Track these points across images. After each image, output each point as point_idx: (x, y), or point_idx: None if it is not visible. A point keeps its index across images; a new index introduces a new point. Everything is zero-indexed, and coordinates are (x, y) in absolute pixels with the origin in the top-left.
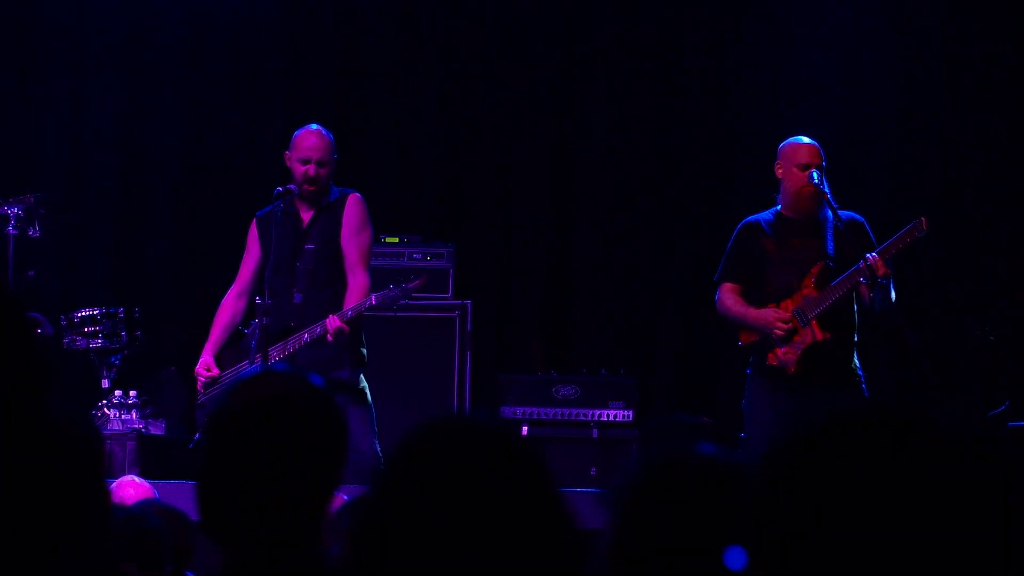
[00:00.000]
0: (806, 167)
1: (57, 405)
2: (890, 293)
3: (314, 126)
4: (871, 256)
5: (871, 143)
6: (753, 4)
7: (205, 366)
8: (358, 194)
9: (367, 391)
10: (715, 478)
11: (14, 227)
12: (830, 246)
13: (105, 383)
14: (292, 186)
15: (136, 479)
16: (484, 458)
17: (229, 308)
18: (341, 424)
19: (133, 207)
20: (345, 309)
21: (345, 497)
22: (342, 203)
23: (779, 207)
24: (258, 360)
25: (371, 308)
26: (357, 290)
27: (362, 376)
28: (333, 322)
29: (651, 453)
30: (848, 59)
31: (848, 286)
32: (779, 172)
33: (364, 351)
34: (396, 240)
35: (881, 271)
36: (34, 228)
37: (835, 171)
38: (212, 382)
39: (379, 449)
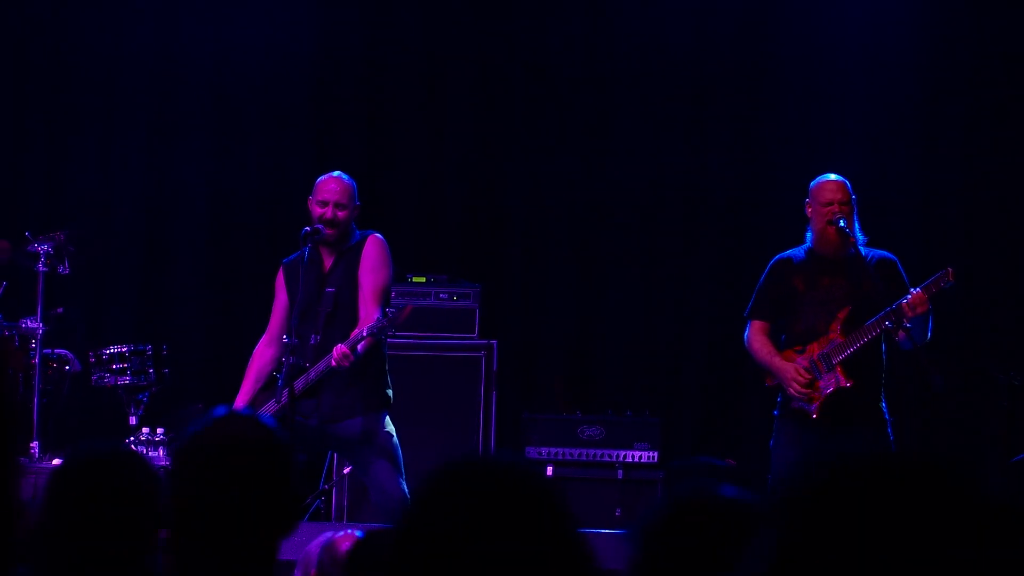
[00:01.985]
0: (828, 204)
1: (119, 447)
2: (927, 329)
3: (336, 173)
4: (913, 291)
5: (898, 184)
6: (782, 42)
7: None
8: (379, 235)
9: (392, 433)
10: (736, 519)
11: (44, 264)
12: (859, 286)
13: (133, 420)
14: (319, 225)
15: None
16: (506, 499)
17: (260, 357)
18: (287, 464)
19: (162, 245)
20: (352, 338)
21: (359, 534)
22: (362, 244)
23: (809, 244)
24: (284, 397)
25: (363, 338)
26: (363, 323)
27: (388, 418)
28: (340, 349)
29: (673, 493)
30: (875, 98)
31: (875, 332)
32: (808, 210)
33: (390, 392)
34: (423, 280)
35: (922, 308)
36: (63, 265)
37: (862, 210)
38: None
39: (405, 489)
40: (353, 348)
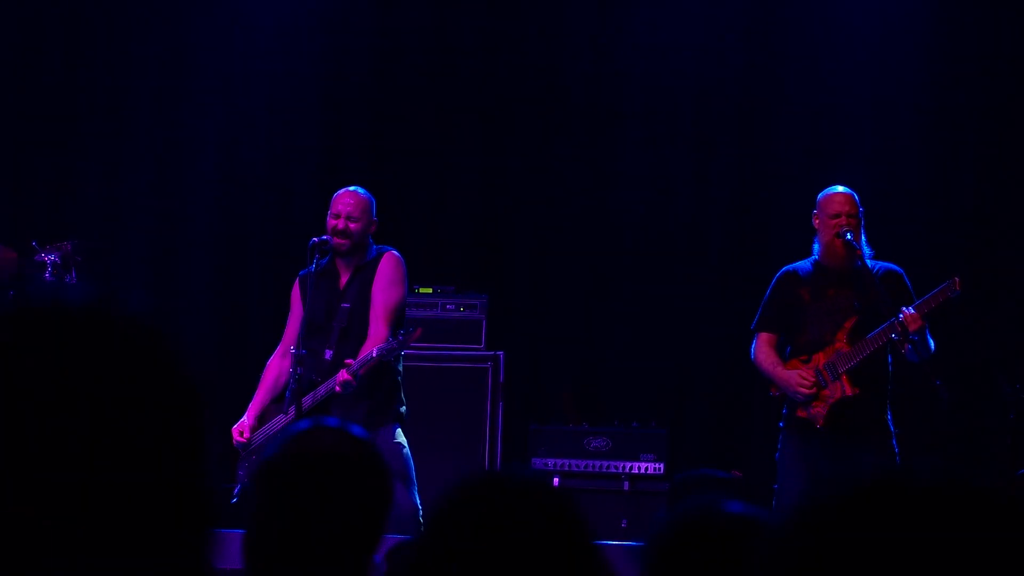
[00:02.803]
0: (836, 216)
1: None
2: (928, 345)
3: (352, 187)
4: (906, 311)
5: (906, 195)
6: (788, 55)
7: (239, 430)
8: (395, 252)
9: (404, 444)
10: (744, 535)
11: (51, 274)
12: (865, 297)
13: None
14: (326, 236)
15: None
16: (526, 514)
17: (274, 369)
18: (385, 477)
19: (169, 255)
20: (353, 363)
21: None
22: (378, 260)
23: (816, 256)
24: (291, 412)
25: (372, 360)
26: (371, 342)
27: (400, 431)
28: (342, 375)
29: (681, 509)
30: (882, 109)
31: (880, 342)
32: (815, 222)
33: (403, 409)
34: (430, 291)
35: (914, 326)
36: (71, 275)
37: (869, 222)
38: (244, 446)
39: (417, 500)
40: (355, 374)
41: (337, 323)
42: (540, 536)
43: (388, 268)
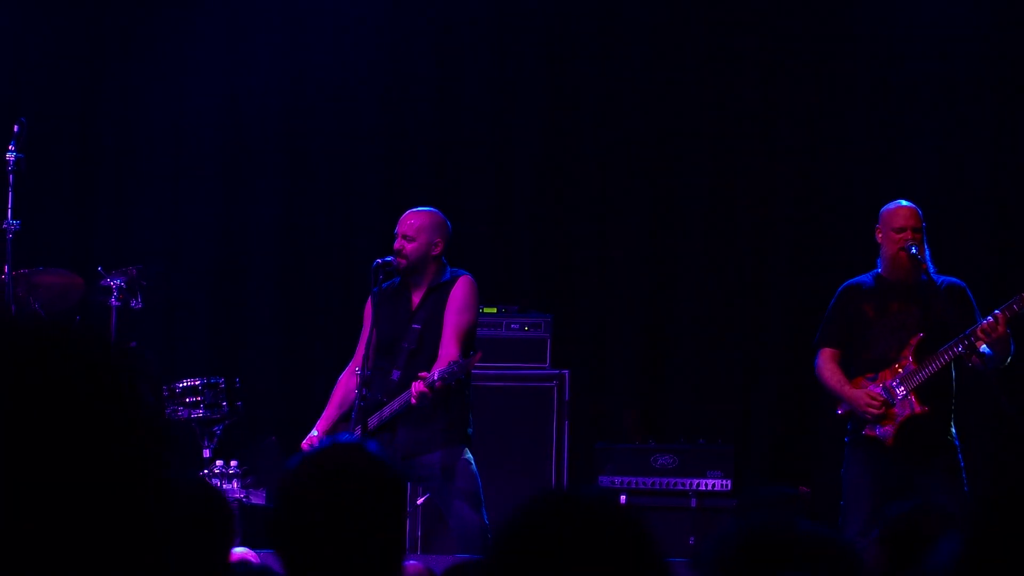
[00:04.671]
0: (901, 230)
1: (190, 476)
2: (1009, 350)
3: (419, 207)
4: (998, 312)
5: (971, 207)
6: (851, 71)
7: (308, 444)
8: (470, 276)
9: (471, 461)
10: (811, 552)
11: (116, 299)
12: (929, 313)
13: (207, 453)
14: (390, 258)
15: (247, 551)
16: (595, 532)
17: (344, 385)
18: (400, 492)
19: (234, 278)
20: (431, 375)
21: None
22: (452, 284)
23: (879, 270)
24: (357, 431)
25: (435, 382)
26: (441, 364)
27: (467, 450)
28: (418, 386)
29: (746, 524)
30: (948, 123)
31: (948, 358)
32: (879, 236)
33: (470, 431)
34: (494, 310)
35: (1001, 330)
36: (136, 299)
37: (934, 236)
38: None
39: (486, 519)
40: (431, 386)
41: (407, 344)
42: (609, 554)
43: (461, 292)
